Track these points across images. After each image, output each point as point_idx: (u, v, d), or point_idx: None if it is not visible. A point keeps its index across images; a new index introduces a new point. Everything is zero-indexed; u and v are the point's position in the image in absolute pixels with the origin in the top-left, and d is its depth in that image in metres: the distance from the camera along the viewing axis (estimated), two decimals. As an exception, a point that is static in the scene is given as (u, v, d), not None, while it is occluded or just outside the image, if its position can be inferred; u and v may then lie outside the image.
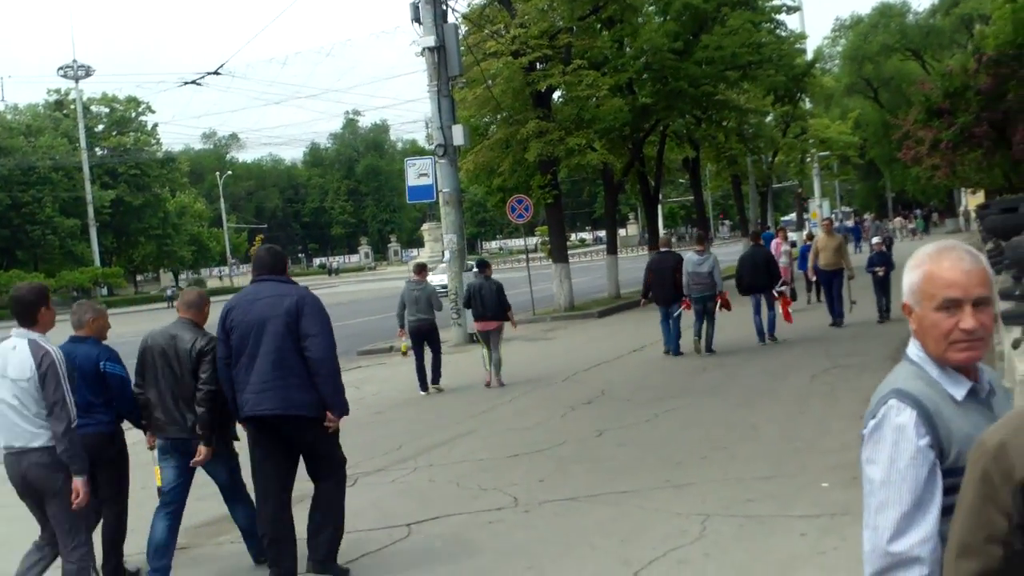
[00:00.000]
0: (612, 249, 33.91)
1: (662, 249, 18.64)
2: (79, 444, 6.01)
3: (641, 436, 11.00)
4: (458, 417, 12.91)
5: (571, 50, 27.55)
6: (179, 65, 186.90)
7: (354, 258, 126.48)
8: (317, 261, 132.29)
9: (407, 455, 11.03)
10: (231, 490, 7.40)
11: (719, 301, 16.99)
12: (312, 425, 6.71)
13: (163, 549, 7.04)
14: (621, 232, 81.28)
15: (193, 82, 34.80)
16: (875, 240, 21.38)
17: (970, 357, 2.46)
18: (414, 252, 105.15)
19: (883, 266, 19.21)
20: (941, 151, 32.44)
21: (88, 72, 78.39)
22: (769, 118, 47.46)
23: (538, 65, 26.97)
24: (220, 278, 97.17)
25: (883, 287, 19.39)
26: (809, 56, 50.43)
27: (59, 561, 6.27)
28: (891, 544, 2.30)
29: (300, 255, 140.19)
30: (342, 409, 6.83)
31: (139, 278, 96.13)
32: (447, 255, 23.78)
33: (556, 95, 29.71)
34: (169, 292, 69.23)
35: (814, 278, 22.30)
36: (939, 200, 77.34)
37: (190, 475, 7.21)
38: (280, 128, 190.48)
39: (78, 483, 5.95)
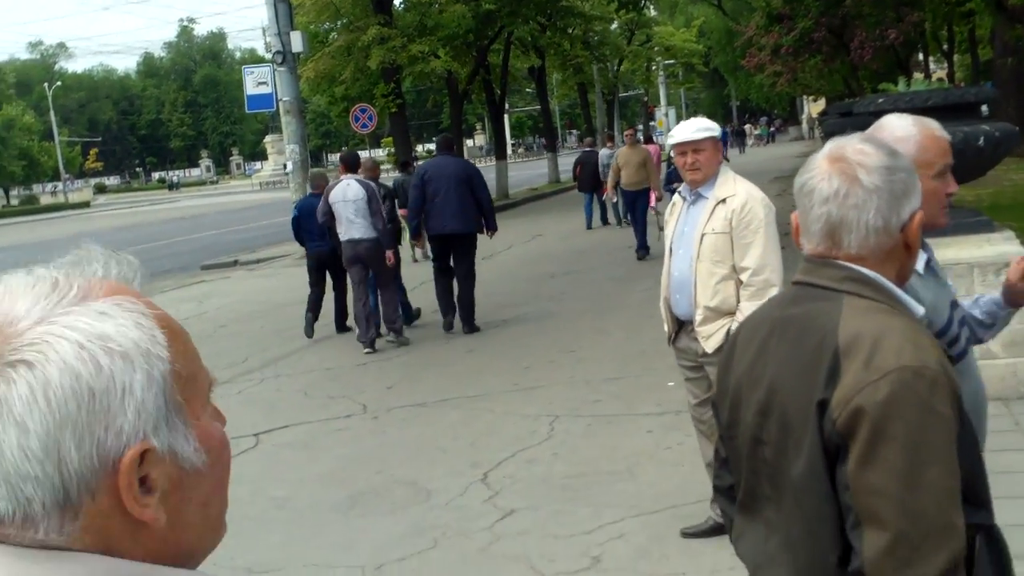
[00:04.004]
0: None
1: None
2: (390, 234, 11.07)
3: (490, 341, 11.02)
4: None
5: (412, -46, 26.98)
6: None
7: (195, 172, 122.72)
8: (156, 176, 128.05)
9: (253, 367, 10.81)
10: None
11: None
12: (472, 240, 11.43)
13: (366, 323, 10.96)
14: (468, 142, 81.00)
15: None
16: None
17: (946, 221, 2.59)
18: (257, 165, 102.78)
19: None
20: (782, 57, 32.93)
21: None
22: (614, 25, 47.62)
23: (378, -30, 26.34)
24: (53, 193, 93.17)
25: None
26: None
27: None
28: None
29: (138, 169, 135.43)
30: (495, 228, 11.68)
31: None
32: (289, 166, 23.23)
33: (397, 1, 29.13)
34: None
35: (615, 199, 19.32)
36: (782, 108, 79.24)
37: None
38: (110, 36, 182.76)
39: (389, 254, 10.98)
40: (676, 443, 6.71)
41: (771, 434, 1.91)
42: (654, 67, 60.06)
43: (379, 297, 11.26)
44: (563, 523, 5.68)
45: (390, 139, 33.56)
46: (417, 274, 14.33)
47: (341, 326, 12.16)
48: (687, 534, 5.33)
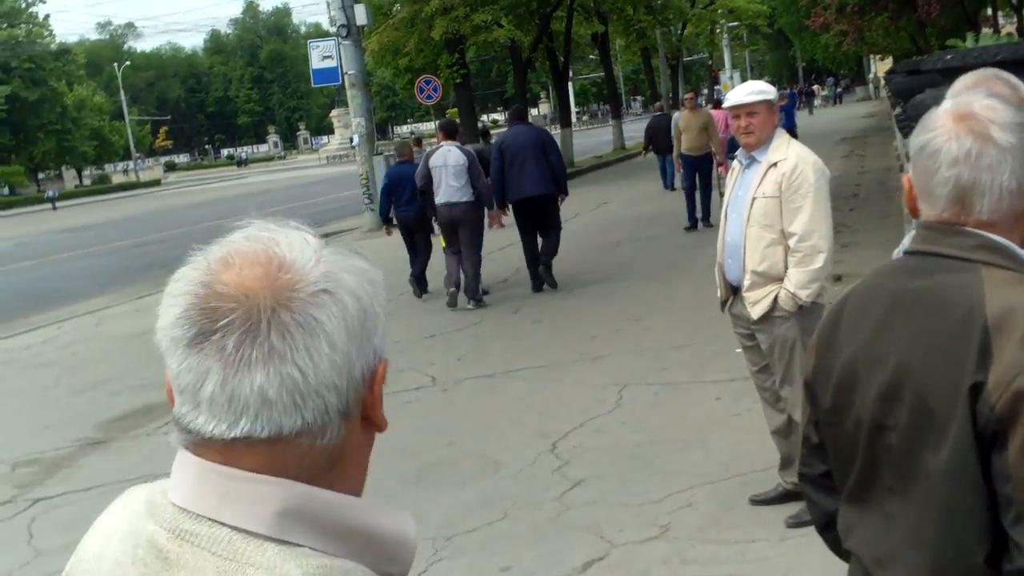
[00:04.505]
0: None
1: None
2: (489, 195, 11.78)
3: (556, 312, 11.05)
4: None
5: (475, -77, 26.85)
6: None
7: (263, 148, 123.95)
8: (225, 152, 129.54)
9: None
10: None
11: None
12: (553, 200, 12.07)
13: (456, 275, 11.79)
14: (533, 111, 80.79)
15: (82, -32, 33.29)
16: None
17: None
18: (324, 139, 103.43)
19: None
20: (848, 16, 32.37)
21: (-30, -38, 74.69)
22: (678, -13, 47.09)
23: (441, -61, 26.27)
24: (125, 172, 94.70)
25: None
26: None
27: None
28: None
29: (207, 147, 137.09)
30: (566, 192, 12.31)
31: (40, 176, 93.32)
32: (356, 139, 23.37)
33: (461, -30, 29.07)
34: (50, 193, 66.37)
35: (680, 169, 17.03)
36: (848, 68, 77.77)
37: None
38: (177, 15, 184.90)
39: (492, 213, 12.13)
40: (745, 409, 6.68)
41: (900, 420, 1.75)
42: (718, 30, 59.29)
43: (462, 263, 11.75)
44: (632, 492, 5.70)
45: (455, 110, 33.53)
46: (495, 240, 14.44)
47: (422, 288, 12.70)
48: (756, 501, 5.32)
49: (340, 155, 73.15)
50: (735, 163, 5.26)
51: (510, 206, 12.09)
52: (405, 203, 12.40)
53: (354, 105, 23.09)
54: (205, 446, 1.04)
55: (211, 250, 1.08)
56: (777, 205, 4.92)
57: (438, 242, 12.50)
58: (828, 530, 2.05)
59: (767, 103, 5.00)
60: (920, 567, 1.74)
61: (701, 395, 7.34)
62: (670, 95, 48.16)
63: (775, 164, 4.95)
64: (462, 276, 11.82)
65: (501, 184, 11.90)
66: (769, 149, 5.00)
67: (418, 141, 18.37)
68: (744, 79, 57.81)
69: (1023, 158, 1.74)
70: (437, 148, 11.79)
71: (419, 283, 12.63)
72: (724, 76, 59.49)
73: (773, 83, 53.98)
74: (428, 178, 11.58)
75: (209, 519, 1.03)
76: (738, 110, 5.01)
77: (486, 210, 12.05)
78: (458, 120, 22.24)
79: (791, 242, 4.91)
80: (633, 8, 38.80)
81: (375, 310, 1.09)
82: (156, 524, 1.05)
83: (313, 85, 28.25)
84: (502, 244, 14.31)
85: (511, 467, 6.37)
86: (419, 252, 12.65)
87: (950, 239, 1.77)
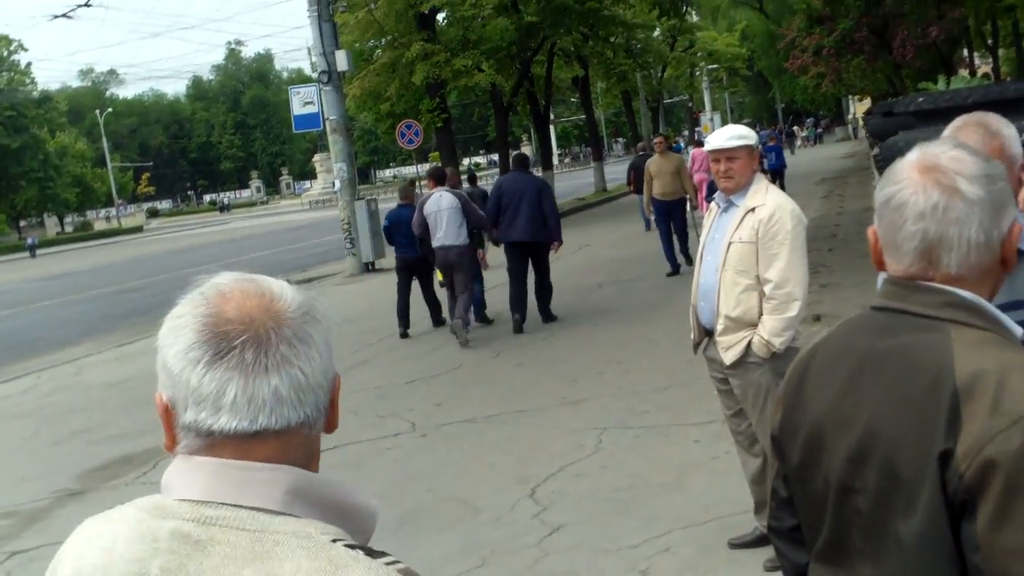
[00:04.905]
0: (505, 171, 33.77)
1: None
2: (479, 235, 12.85)
3: (537, 355, 11.05)
4: (354, 346, 12.77)
5: (453, -30, 27.09)
6: None
7: (245, 193, 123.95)
8: (207, 198, 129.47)
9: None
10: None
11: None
12: (543, 247, 12.54)
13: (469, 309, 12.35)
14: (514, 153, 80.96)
15: (64, 15, 33.51)
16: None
17: None
18: (307, 184, 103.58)
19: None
20: (825, 58, 32.79)
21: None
22: (657, 32, 47.53)
23: (420, -14, 26.49)
24: (107, 219, 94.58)
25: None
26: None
27: None
28: None
29: (189, 192, 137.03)
30: (560, 240, 12.70)
31: (22, 223, 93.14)
32: (337, 184, 23.44)
33: (440, 16, 29.30)
34: (30, 241, 66.25)
35: (651, 215, 17.07)
36: (827, 109, 78.46)
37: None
38: (160, 61, 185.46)
39: (481, 252, 12.90)
40: (723, 452, 6.68)
41: (869, 483, 1.72)
42: (698, 72, 59.90)
43: (456, 299, 12.27)
44: (610, 537, 5.68)
45: (436, 154, 33.69)
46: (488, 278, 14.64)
47: (437, 320, 13.37)
48: (734, 544, 5.32)
49: (323, 199, 73.36)
50: (712, 204, 5.29)
51: (501, 246, 12.72)
52: (404, 244, 12.97)
53: (335, 150, 23.17)
54: (222, 445, 1.28)
55: (205, 290, 1.32)
56: (753, 251, 4.92)
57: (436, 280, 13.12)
58: None
59: (748, 148, 5.03)
60: None
61: (681, 438, 7.34)
62: (651, 136, 48.44)
63: (753, 209, 4.96)
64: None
65: (495, 226, 12.50)
66: (748, 194, 5.02)
67: (412, 183, 18.74)
68: (724, 120, 58.37)
69: (991, 211, 1.70)
70: (430, 195, 12.25)
71: (434, 316, 13.34)
72: (704, 117, 60.07)
73: (753, 124, 54.24)
74: (424, 225, 12.06)
75: (230, 504, 1.26)
76: (718, 154, 5.04)
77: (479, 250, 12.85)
78: (440, 164, 22.40)
79: (766, 288, 4.92)
80: (613, 52, 39.11)
81: (332, 331, 1.37)
82: (174, 519, 1.26)
83: (295, 131, 28.37)
84: (488, 286, 14.30)
85: (489, 513, 6.34)
86: (425, 288, 13.26)
87: (918, 296, 1.74)
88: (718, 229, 5.14)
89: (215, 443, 1.27)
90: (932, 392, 1.63)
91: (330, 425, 1.38)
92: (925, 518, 1.61)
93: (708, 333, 5.27)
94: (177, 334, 1.28)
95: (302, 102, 25.48)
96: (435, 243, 12.03)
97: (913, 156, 1.76)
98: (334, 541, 1.25)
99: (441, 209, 11.96)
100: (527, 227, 12.29)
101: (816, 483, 1.84)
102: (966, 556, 1.59)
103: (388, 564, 1.27)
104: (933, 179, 1.71)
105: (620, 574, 5.22)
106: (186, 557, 1.22)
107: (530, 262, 12.62)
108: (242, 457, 1.27)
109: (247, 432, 1.26)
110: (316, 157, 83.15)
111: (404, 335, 12.96)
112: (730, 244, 4.98)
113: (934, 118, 6.72)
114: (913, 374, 1.68)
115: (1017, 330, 1.77)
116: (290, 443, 1.29)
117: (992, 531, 1.55)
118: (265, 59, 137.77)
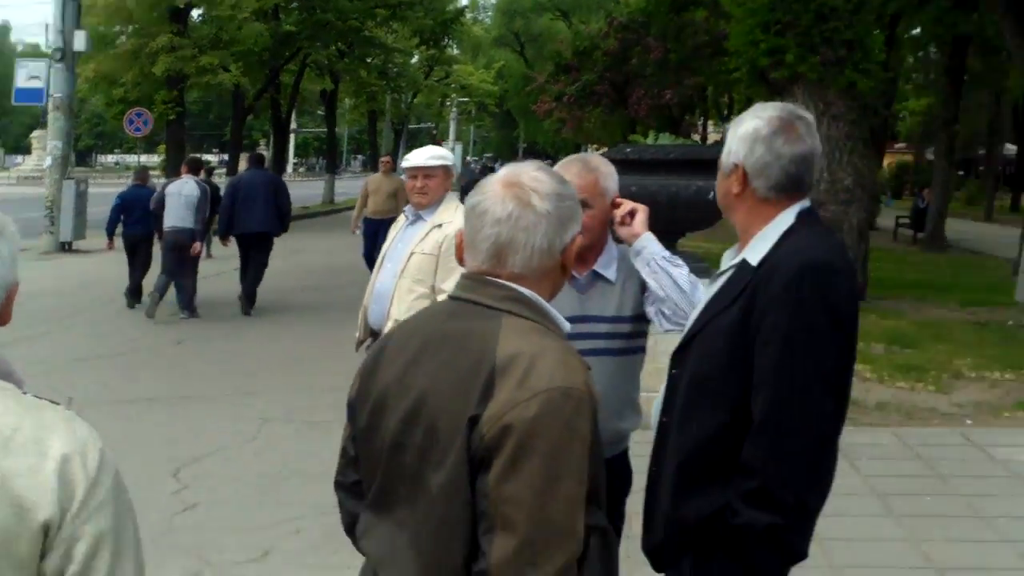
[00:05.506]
0: (232, 171, 33.18)
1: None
2: (202, 230, 13.17)
3: (221, 347, 11.11)
4: (31, 322, 12.14)
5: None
6: None
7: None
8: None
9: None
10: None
11: None
12: (270, 238, 13.55)
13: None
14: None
15: None
16: None
17: None
18: (19, 159, 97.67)
19: None
20: (566, 104, 34.20)
21: None
22: (415, 59, 48.00)
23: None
24: None
25: None
26: (465, 3, 51.36)
27: None
28: None
29: None
30: (286, 229, 13.86)
31: None
32: (48, 161, 22.58)
33: (196, 13, 28.92)
34: None
35: (356, 231, 16.55)
36: (567, 153, 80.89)
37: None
38: None
39: (196, 244, 12.62)
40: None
41: (415, 440, 1.96)
42: (448, 103, 60.84)
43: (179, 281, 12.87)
44: (244, 518, 5.80)
45: (163, 146, 32.84)
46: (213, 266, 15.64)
47: (135, 299, 13.50)
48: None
49: (35, 176, 69.63)
50: (401, 216, 5.54)
51: (232, 238, 13.44)
52: (134, 222, 13.66)
53: (54, 128, 22.30)
54: None
55: None
56: (434, 262, 5.14)
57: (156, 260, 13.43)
58: (352, 531, 2.25)
59: (444, 168, 5.31)
60: (412, 567, 1.96)
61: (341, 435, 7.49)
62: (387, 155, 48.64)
63: (440, 225, 5.20)
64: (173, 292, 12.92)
65: (230, 217, 13.24)
66: (437, 211, 5.28)
67: (146, 169, 19.01)
68: (466, 152, 59.55)
69: (556, 224, 2.01)
70: (176, 179, 13.40)
71: (134, 294, 13.52)
72: (446, 146, 60.97)
73: (494, 159, 55.16)
74: (161, 203, 12.76)
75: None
76: (416, 171, 5.28)
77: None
78: (166, 156, 21.93)
79: (440, 298, 5.17)
80: (367, 72, 39.22)
81: (17, 245, 1.74)
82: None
83: (14, 103, 27.07)
84: (210, 273, 14.32)
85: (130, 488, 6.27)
86: (137, 267, 13.69)
87: (485, 289, 2.02)
88: (402, 239, 5.37)
89: None
90: (475, 367, 1.89)
91: (2, 320, 1.74)
92: (451, 470, 1.87)
93: (374, 334, 5.45)
94: None
95: (27, 75, 24.46)
96: (166, 224, 12.60)
97: (502, 173, 2.08)
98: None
99: (182, 194, 12.69)
100: (260, 219, 13.17)
101: (376, 442, 2.07)
102: (477, 502, 1.85)
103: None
104: (513, 193, 2.01)
105: (243, 551, 5.32)
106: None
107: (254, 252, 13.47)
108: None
109: None
110: (35, 133, 78.03)
111: (131, 306, 13.40)
112: (412, 254, 5.20)
113: (639, 168, 7.27)
114: (465, 351, 1.94)
115: (564, 325, 2.09)
116: None
117: (500, 482, 1.81)
118: (4, 30, 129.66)
